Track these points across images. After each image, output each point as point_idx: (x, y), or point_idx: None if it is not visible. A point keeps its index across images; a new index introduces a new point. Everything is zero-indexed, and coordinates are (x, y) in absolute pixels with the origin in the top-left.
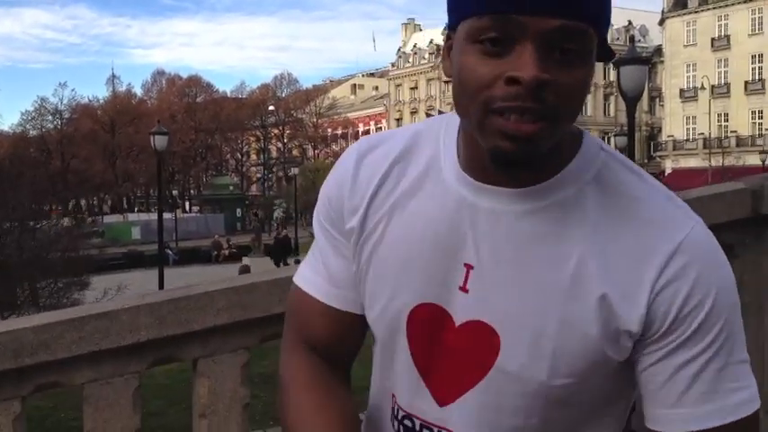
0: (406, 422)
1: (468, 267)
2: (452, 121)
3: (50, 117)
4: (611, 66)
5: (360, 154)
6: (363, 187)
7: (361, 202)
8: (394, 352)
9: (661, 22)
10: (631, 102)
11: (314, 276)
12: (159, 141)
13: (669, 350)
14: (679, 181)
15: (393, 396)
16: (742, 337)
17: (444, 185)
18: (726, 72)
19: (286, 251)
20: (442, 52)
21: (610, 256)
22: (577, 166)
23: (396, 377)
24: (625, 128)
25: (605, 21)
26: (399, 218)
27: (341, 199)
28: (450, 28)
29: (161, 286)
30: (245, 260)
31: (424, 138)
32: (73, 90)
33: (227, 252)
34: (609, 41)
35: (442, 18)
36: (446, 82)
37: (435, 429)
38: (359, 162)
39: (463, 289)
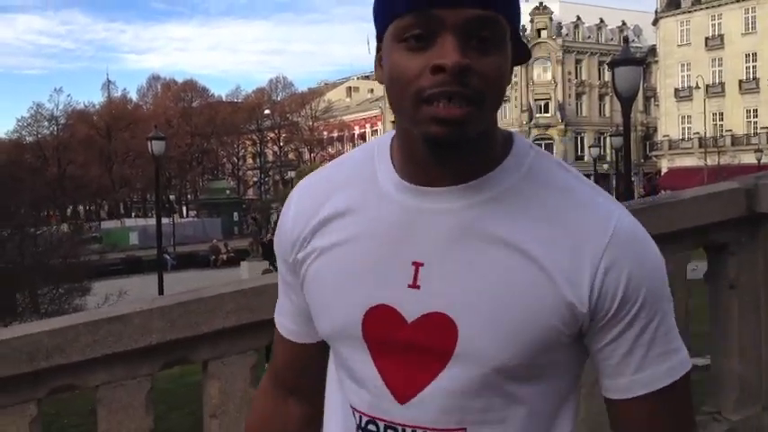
0: (371, 427)
1: (417, 265)
2: (383, 140)
3: (46, 123)
4: (606, 66)
5: (298, 192)
6: (304, 219)
7: (302, 233)
8: (353, 360)
9: (655, 22)
10: (626, 102)
11: (280, 315)
12: (157, 146)
13: (623, 327)
14: (675, 180)
15: (352, 407)
16: (672, 308)
17: (384, 197)
18: (720, 71)
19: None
20: (374, 64)
21: (549, 241)
22: (510, 163)
23: (356, 384)
24: (621, 128)
25: (515, 11)
26: (342, 236)
27: (285, 235)
28: (379, 39)
29: (161, 291)
30: (244, 264)
31: (358, 161)
32: (68, 96)
33: (225, 256)
34: (603, 41)
35: None
36: None
37: (400, 428)
38: (298, 199)
39: (414, 286)
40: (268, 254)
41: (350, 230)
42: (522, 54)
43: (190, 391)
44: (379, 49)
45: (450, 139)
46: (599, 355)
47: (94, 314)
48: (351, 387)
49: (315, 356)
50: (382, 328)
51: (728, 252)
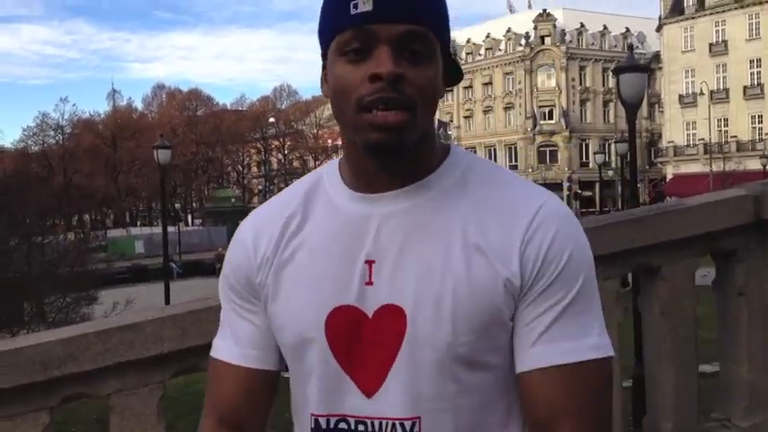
0: (342, 425)
1: (370, 263)
2: (332, 164)
3: (52, 132)
4: (611, 73)
5: (251, 221)
6: (265, 243)
7: (264, 254)
8: (316, 364)
9: (659, 29)
10: (631, 109)
11: (222, 343)
12: (162, 155)
13: (535, 296)
14: (680, 187)
15: (313, 415)
16: (598, 300)
17: (336, 209)
18: (724, 77)
19: None
20: (321, 81)
21: (486, 227)
22: (448, 166)
23: (321, 385)
24: (625, 134)
25: (444, 27)
26: (301, 251)
27: (246, 261)
28: (324, 57)
29: (167, 300)
30: None
31: (309, 185)
32: (74, 105)
33: None
34: (607, 48)
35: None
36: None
37: (369, 422)
38: (254, 226)
39: (369, 283)
40: None
41: (307, 244)
42: (456, 73)
43: (196, 400)
44: (324, 67)
45: (389, 146)
46: (515, 327)
47: (106, 323)
48: (319, 390)
49: (269, 386)
50: (345, 328)
51: (736, 259)
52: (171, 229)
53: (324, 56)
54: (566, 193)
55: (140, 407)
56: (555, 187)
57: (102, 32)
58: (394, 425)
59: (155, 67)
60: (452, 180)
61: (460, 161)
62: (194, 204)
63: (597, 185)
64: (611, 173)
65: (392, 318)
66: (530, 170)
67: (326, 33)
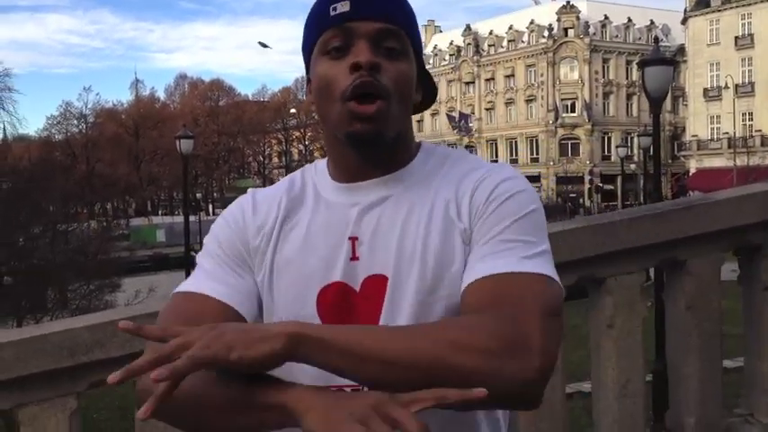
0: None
1: (353, 240)
2: (319, 163)
3: (75, 121)
4: (635, 66)
5: (253, 195)
6: (263, 214)
7: (264, 225)
8: None
9: (684, 21)
10: (656, 102)
11: (211, 283)
12: (185, 145)
13: (477, 233)
14: (703, 181)
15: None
16: (541, 235)
17: (323, 200)
18: (750, 71)
19: None
20: (305, 88)
21: (452, 197)
22: (422, 157)
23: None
24: (648, 128)
25: (414, 30)
26: (294, 235)
27: (245, 224)
28: (308, 70)
29: None
30: None
31: (299, 178)
32: (97, 94)
33: None
34: (631, 40)
35: (462, 19)
36: (466, 83)
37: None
38: (254, 199)
39: (354, 258)
40: None
41: (298, 231)
42: (429, 88)
43: None
44: (309, 80)
45: (369, 136)
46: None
47: (134, 309)
48: (307, 371)
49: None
50: (336, 303)
51: (763, 254)
52: (192, 218)
53: (307, 69)
54: (587, 186)
55: None
56: (576, 181)
57: (126, 22)
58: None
59: (177, 57)
60: (426, 169)
61: (432, 151)
62: (215, 194)
63: (619, 179)
64: (633, 166)
65: (376, 285)
66: (551, 163)
67: (310, 40)
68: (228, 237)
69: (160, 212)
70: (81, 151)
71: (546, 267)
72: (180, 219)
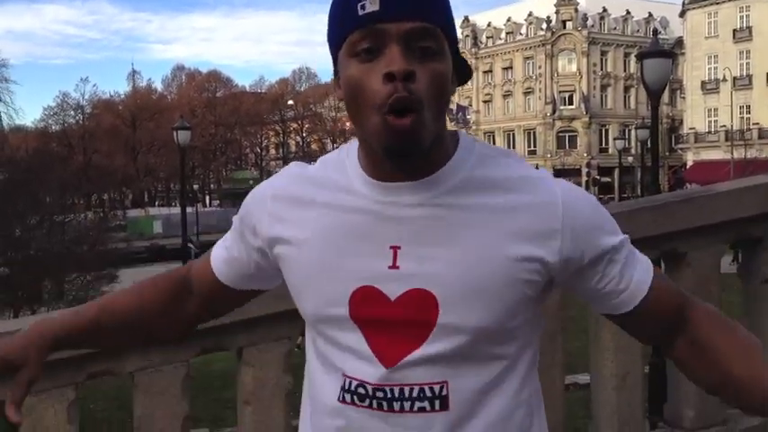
0: (360, 390)
1: (395, 248)
2: (353, 143)
3: (72, 112)
4: (633, 58)
5: (287, 172)
6: (286, 196)
7: (283, 215)
8: (339, 336)
9: (682, 14)
10: (655, 95)
11: (220, 250)
12: (182, 136)
13: (604, 264)
14: (701, 174)
15: (343, 375)
16: (614, 221)
17: (357, 194)
18: (748, 64)
19: None
20: (333, 85)
21: (508, 211)
22: (461, 155)
23: (343, 354)
24: (646, 120)
25: (450, 24)
26: (318, 226)
27: (264, 202)
28: (335, 63)
29: None
30: None
31: (333, 162)
32: (94, 85)
33: None
34: (629, 33)
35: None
36: None
37: (388, 389)
38: (284, 178)
39: (394, 267)
40: None
41: (325, 222)
42: (465, 70)
43: (214, 379)
44: (336, 73)
45: (404, 151)
46: (595, 292)
47: None
48: (338, 356)
49: (229, 297)
50: (368, 307)
51: (763, 247)
52: (189, 209)
53: (335, 61)
54: (584, 178)
55: (164, 384)
56: (573, 173)
57: (124, 13)
58: (422, 389)
59: (175, 48)
60: (466, 169)
61: (471, 150)
62: (212, 185)
63: (616, 172)
64: (630, 159)
65: (421, 302)
66: (548, 155)
67: (336, 37)
68: (248, 216)
69: (157, 204)
70: (78, 142)
71: (645, 257)
72: (177, 210)
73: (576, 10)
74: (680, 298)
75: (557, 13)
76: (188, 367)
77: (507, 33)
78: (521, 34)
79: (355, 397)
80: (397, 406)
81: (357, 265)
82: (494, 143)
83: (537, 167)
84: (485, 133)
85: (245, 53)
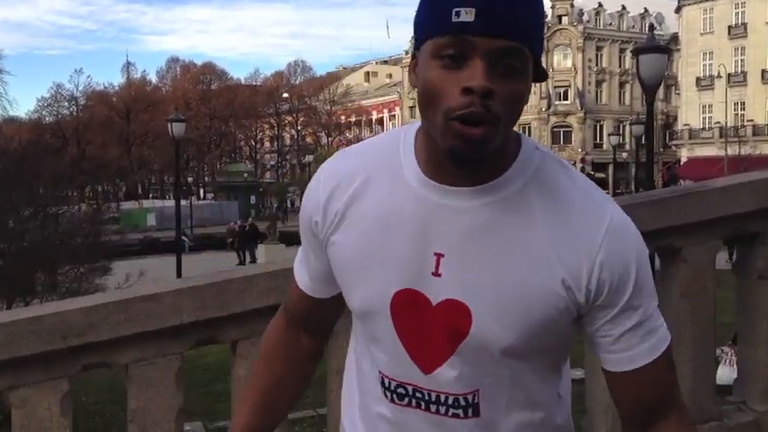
0: (400, 390)
1: (439, 256)
2: (409, 132)
3: (66, 104)
4: (628, 54)
5: (333, 163)
6: (332, 187)
7: (330, 200)
8: (379, 334)
9: (677, 10)
10: (650, 90)
11: (300, 268)
12: (177, 128)
13: (616, 312)
14: (695, 170)
15: (380, 372)
16: (653, 287)
17: (409, 189)
18: (742, 60)
19: (253, 241)
20: (408, 68)
21: (553, 237)
22: (520, 166)
23: (382, 355)
24: (641, 116)
25: (539, 44)
26: (368, 218)
27: (316, 198)
28: (417, 48)
29: (179, 273)
30: (261, 247)
31: (386, 149)
32: (88, 77)
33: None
34: (624, 28)
35: None
36: None
37: (425, 392)
38: (332, 168)
39: (436, 274)
40: (246, 242)
41: (376, 214)
42: (541, 73)
43: (206, 372)
44: (414, 56)
45: (470, 157)
46: (595, 334)
47: (126, 293)
48: (379, 356)
49: (326, 309)
50: (408, 310)
51: (758, 242)
52: (183, 202)
53: (417, 46)
54: None
55: (158, 377)
56: None
57: (119, 4)
58: (456, 398)
59: (170, 40)
60: (522, 181)
61: (530, 160)
62: (207, 178)
63: (611, 167)
64: (624, 155)
65: (456, 312)
66: None
67: (424, 31)
68: (306, 216)
69: (151, 196)
70: (72, 134)
71: (666, 330)
72: (171, 203)
73: (572, 5)
74: (663, 399)
75: (552, 8)
76: (182, 360)
77: None
78: None
79: (395, 396)
80: (433, 408)
81: (401, 267)
82: None
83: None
84: None
85: (241, 45)
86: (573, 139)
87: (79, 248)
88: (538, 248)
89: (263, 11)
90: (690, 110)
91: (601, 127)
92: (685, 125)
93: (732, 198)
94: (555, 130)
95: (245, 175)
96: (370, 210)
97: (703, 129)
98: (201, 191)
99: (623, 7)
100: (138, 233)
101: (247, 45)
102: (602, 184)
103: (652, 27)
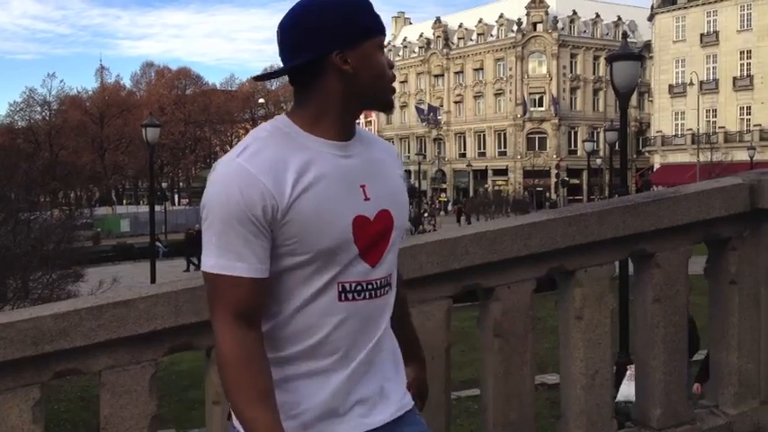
0: (358, 288)
1: (363, 186)
2: (275, 125)
3: (39, 108)
4: (602, 61)
5: (252, 169)
6: (280, 181)
7: (284, 188)
8: (343, 256)
9: (650, 18)
10: (624, 97)
11: (242, 264)
12: (151, 134)
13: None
14: (667, 176)
15: (339, 284)
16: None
17: (330, 155)
18: (714, 68)
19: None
20: (335, 62)
21: (392, 159)
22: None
23: (343, 269)
24: (615, 123)
25: None
26: (313, 181)
27: (263, 196)
28: (346, 46)
29: (153, 278)
30: None
31: (281, 139)
32: (62, 81)
33: None
34: (598, 36)
35: (433, 12)
36: (436, 76)
37: (373, 283)
38: (258, 173)
39: (366, 199)
40: (191, 249)
41: (316, 176)
42: None
43: (180, 379)
44: (344, 47)
45: (390, 109)
46: None
47: (99, 299)
48: (340, 274)
49: (267, 287)
50: (362, 229)
51: (730, 247)
52: (157, 208)
53: (348, 45)
54: (553, 180)
55: (132, 384)
56: (543, 174)
57: (93, 8)
58: (382, 281)
59: (145, 44)
60: (358, 130)
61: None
62: (181, 184)
63: (585, 173)
64: (599, 161)
65: (386, 218)
66: (518, 156)
67: (369, 34)
68: (253, 210)
69: (125, 202)
70: (44, 139)
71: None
72: (145, 208)
73: (547, 12)
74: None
75: (527, 15)
76: (155, 366)
77: (478, 35)
78: (492, 36)
79: (354, 294)
80: (376, 293)
81: (349, 203)
82: (464, 144)
83: (507, 168)
84: (455, 134)
85: (217, 50)
86: (548, 146)
87: (51, 254)
88: (391, 165)
89: (239, 16)
90: (663, 117)
91: (575, 133)
92: (658, 132)
93: (704, 204)
94: (530, 136)
95: None
96: (311, 174)
97: (676, 135)
98: (176, 196)
99: (597, 15)
100: (111, 239)
101: (223, 50)
102: (577, 190)
103: (625, 35)
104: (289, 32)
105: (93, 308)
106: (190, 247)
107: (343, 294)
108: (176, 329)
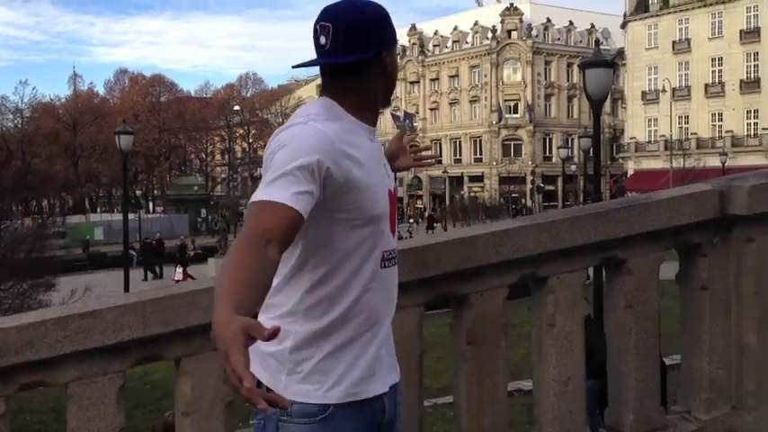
0: (389, 256)
1: (385, 165)
2: (319, 111)
3: (11, 116)
4: (576, 68)
5: (327, 135)
6: (343, 148)
7: (343, 156)
8: (383, 226)
9: (623, 26)
10: (597, 104)
11: (303, 199)
12: (125, 141)
13: None
14: (641, 182)
15: (382, 252)
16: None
17: (368, 136)
18: (686, 75)
19: (158, 257)
20: (385, 58)
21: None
22: None
23: (382, 238)
24: (589, 130)
25: None
26: (361, 158)
27: (334, 154)
28: (384, 45)
29: (126, 287)
30: (211, 261)
31: (340, 121)
32: (34, 88)
33: (192, 253)
34: (572, 43)
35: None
36: (411, 83)
37: (392, 252)
38: (332, 138)
39: (388, 176)
40: (149, 259)
41: (363, 152)
42: None
43: (153, 389)
44: (385, 48)
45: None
46: None
47: (65, 309)
48: (381, 242)
49: (299, 227)
50: (391, 202)
51: (700, 253)
52: (132, 216)
53: (384, 44)
54: (529, 186)
55: (99, 396)
56: (519, 181)
57: (67, 15)
58: (395, 250)
59: (120, 51)
60: None
61: None
62: (156, 191)
63: (560, 180)
64: (573, 167)
65: (393, 193)
66: (494, 163)
67: (395, 37)
68: (320, 162)
69: (99, 210)
70: (16, 146)
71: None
72: (119, 216)
73: (521, 20)
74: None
75: (502, 22)
76: (123, 378)
77: (454, 42)
78: (467, 43)
79: (388, 262)
80: (395, 261)
81: (384, 179)
82: (440, 150)
83: (483, 175)
84: (431, 140)
85: (192, 57)
86: (523, 152)
87: (22, 264)
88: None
89: (214, 23)
90: (636, 123)
91: (550, 140)
92: (632, 138)
93: (674, 210)
94: (505, 142)
95: (196, 188)
96: (361, 151)
97: (649, 142)
98: (151, 204)
99: (571, 22)
100: (84, 248)
101: (199, 57)
102: (552, 196)
103: (598, 42)
104: (347, 31)
105: (59, 319)
106: (147, 255)
107: (382, 262)
108: (144, 340)
